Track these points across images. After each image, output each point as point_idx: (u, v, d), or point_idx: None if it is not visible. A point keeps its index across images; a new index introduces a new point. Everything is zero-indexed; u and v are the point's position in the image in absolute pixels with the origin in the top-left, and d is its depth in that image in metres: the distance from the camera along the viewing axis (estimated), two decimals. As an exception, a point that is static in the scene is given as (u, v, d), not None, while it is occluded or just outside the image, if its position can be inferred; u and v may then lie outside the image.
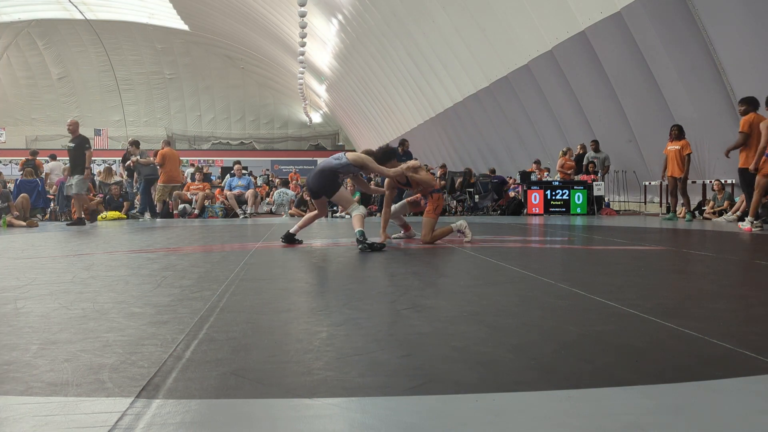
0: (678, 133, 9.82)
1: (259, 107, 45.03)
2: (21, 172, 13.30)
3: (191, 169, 17.42)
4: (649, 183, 12.75)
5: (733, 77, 9.52)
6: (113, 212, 12.39)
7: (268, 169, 32.81)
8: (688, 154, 9.72)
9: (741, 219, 9.57)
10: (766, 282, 3.50)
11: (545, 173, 15.00)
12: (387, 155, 5.93)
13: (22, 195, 11.39)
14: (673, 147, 9.84)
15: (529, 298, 2.91)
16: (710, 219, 10.28)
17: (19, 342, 2.07)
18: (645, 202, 13.06)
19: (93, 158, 11.46)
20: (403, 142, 12.82)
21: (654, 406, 1.43)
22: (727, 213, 9.94)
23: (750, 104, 8.04)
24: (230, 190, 13.30)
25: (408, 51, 20.04)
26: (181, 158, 21.02)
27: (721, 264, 4.34)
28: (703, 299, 2.89)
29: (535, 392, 1.55)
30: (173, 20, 38.46)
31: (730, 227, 8.38)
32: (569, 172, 13.59)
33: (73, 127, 10.47)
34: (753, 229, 7.52)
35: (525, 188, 13.47)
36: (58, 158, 16.06)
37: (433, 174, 15.64)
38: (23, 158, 17.48)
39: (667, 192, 10.91)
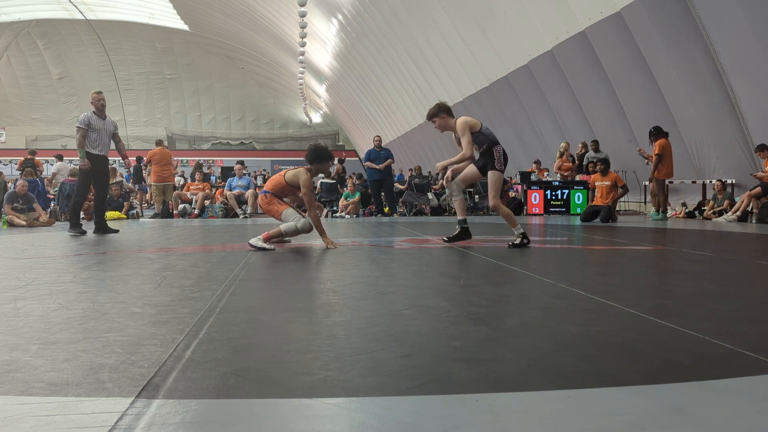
0: (653, 133, 10.26)
1: (259, 107, 45.01)
2: (20, 172, 13.25)
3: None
4: (649, 183, 12.76)
5: (733, 77, 9.52)
6: (113, 212, 12.38)
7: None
8: (657, 155, 10.08)
9: (742, 219, 9.61)
10: (766, 282, 3.50)
11: (545, 173, 15.00)
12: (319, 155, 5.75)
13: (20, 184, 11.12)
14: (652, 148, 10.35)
15: (529, 298, 2.91)
16: (710, 219, 10.28)
17: (19, 342, 2.07)
18: (645, 202, 13.06)
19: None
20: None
21: (654, 406, 1.43)
22: (727, 213, 9.94)
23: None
24: (230, 190, 13.29)
25: (408, 51, 20.03)
26: (182, 158, 20.89)
27: (721, 264, 4.34)
28: (703, 299, 2.89)
29: (535, 392, 1.54)
30: (173, 20, 38.47)
31: (731, 227, 8.38)
32: (566, 173, 13.59)
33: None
34: None
35: (525, 188, 13.46)
36: (64, 158, 16.09)
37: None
38: (22, 158, 17.43)
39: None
